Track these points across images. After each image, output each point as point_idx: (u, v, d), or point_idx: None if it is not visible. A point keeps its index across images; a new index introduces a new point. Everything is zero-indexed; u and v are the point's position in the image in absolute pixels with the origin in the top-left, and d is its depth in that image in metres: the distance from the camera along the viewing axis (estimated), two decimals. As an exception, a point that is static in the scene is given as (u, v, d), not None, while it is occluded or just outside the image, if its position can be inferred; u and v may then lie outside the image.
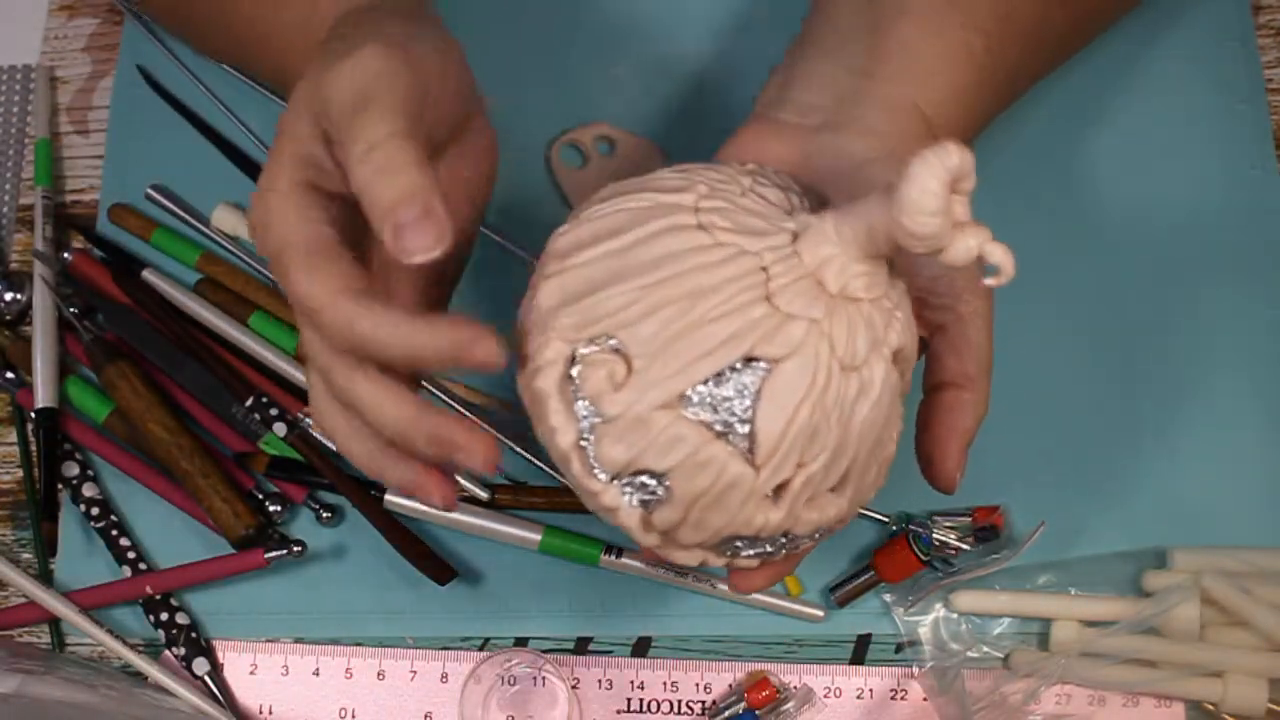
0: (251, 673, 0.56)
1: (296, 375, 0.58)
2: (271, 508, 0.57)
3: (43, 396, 0.58)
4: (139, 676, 0.55)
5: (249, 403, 0.58)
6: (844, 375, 0.37)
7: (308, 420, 0.58)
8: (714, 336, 0.36)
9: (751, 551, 0.40)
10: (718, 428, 0.36)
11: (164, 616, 0.55)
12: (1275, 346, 0.58)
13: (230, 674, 0.56)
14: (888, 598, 0.55)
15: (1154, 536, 0.55)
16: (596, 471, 0.38)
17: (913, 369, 0.40)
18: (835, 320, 0.37)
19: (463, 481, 0.56)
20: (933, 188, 0.34)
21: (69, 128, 0.65)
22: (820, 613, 0.55)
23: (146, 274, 0.60)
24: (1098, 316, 0.59)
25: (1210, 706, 0.53)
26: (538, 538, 0.55)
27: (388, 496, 0.56)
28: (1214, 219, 0.60)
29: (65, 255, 0.61)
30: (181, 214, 0.62)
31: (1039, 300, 0.59)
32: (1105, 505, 0.56)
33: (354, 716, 0.55)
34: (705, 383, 0.36)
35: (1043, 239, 0.60)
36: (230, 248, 0.61)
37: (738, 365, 0.36)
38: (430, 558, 0.55)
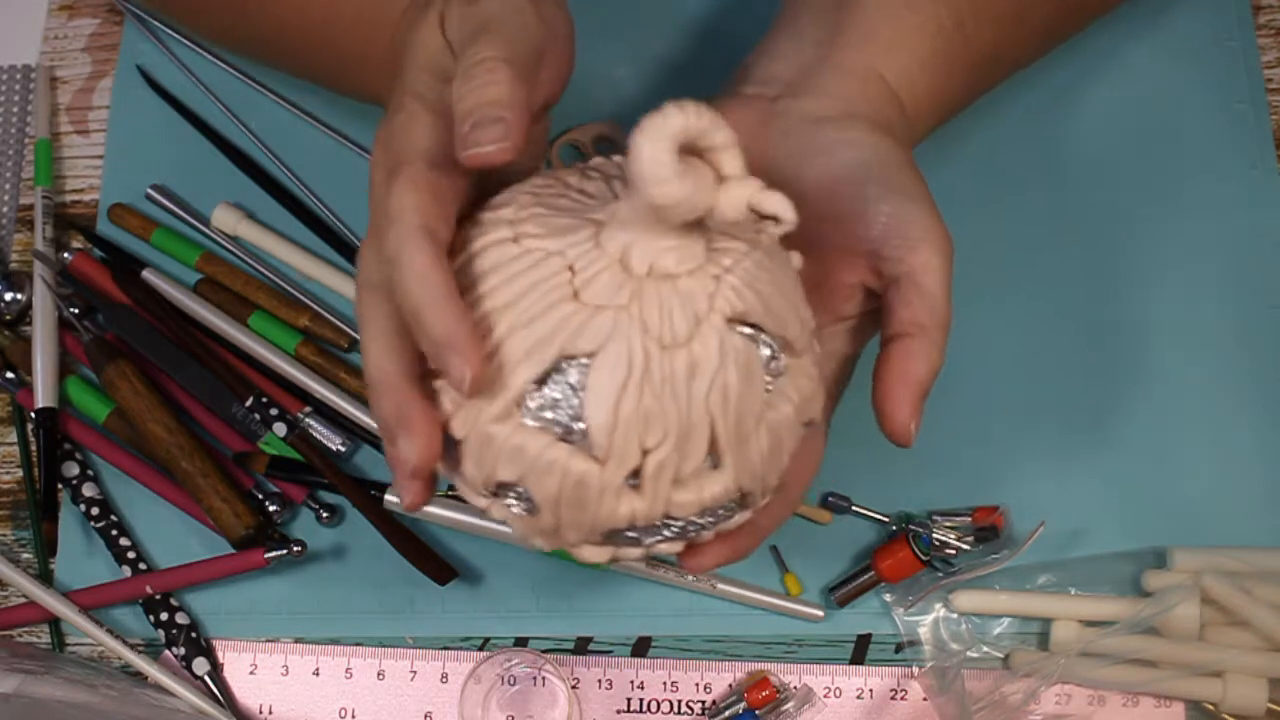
0: (251, 673, 0.56)
1: (296, 375, 0.58)
2: (271, 508, 0.57)
3: (43, 396, 0.58)
4: (139, 676, 0.55)
5: (249, 403, 0.58)
6: (667, 354, 0.36)
7: (308, 420, 0.58)
8: (525, 343, 0.36)
9: (654, 539, 0.40)
10: (558, 430, 0.37)
11: (164, 616, 0.55)
12: (1275, 346, 0.58)
13: (230, 674, 0.56)
14: (888, 598, 0.55)
15: (1154, 536, 0.55)
16: (477, 490, 0.39)
17: (794, 327, 0.39)
18: (645, 302, 0.36)
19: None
20: (659, 156, 0.33)
21: (69, 128, 0.65)
22: (820, 613, 0.55)
23: (146, 274, 0.60)
24: (1097, 316, 0.59)
25: (1210, 706, 0.53)
26: (538, 538, 0.55)
27: (388, 496, 0.56)
28: (1214, 219, 0.60)
29: (65, 255, 0.61)
30: (181, 214, 0.62)
31: (1038, 300, 0.59)
32: (1105, 505, 0.56)
33: (354, 716, 0.55)
34: (535, 389, 0.37)
35: (1042, 239, 0.60)
36: (230, 248, 0.61)
37: (562, 366, 0.36)
38: (430, 558, 0.55)
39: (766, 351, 0.38)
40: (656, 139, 0.33)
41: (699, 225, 0.37)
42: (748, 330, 0.38)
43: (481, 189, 0.41)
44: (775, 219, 0.35)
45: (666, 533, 0.40)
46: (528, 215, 0.38)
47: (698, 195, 0.34)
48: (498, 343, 0.37)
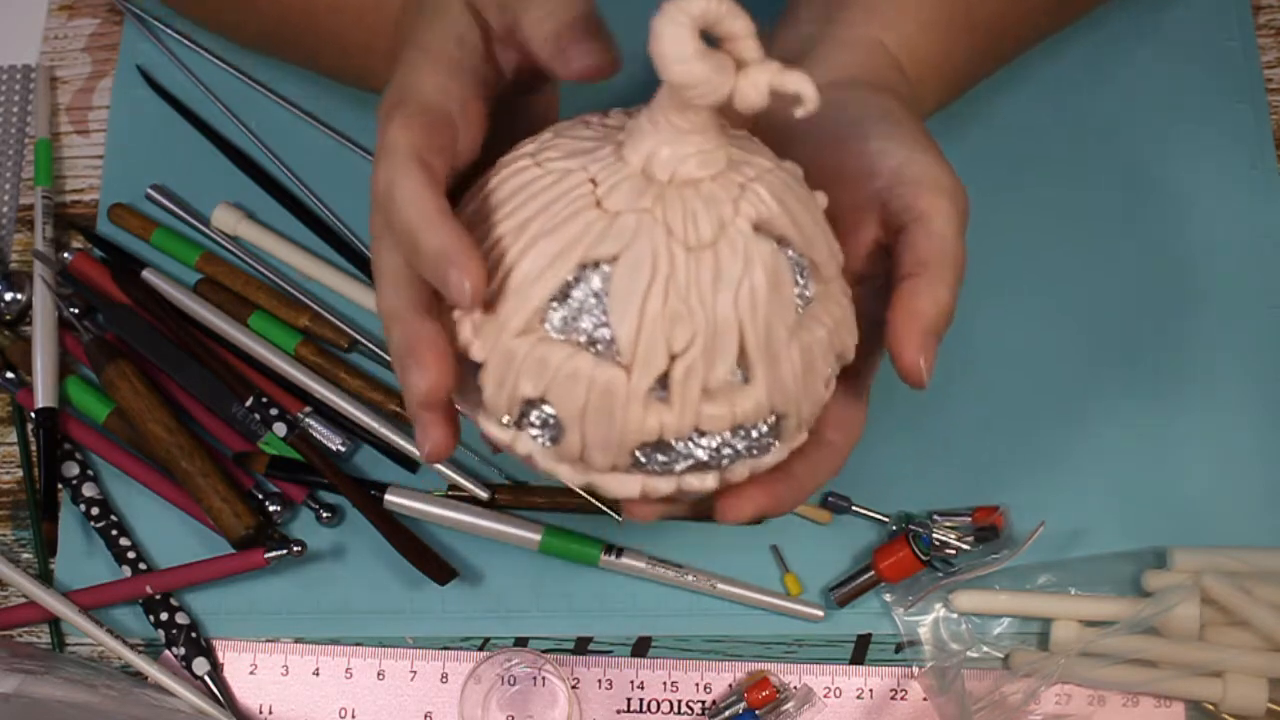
0: (251, 673, 0.56)
1: (296, 375, 0.58)
2: (271, 508, 0.57)
3: (43, 396, 0.58)
4: (139, 676, 0.55)
5: (249, 403, 0.58)
6: (692, 255, 0.36)
7: (308, 420, 0.58)
8: (547, 253, 0.36)
9: (685, 465, 0.38)
10: (582, 340, 0.36)
11: (164, 616, 0.55)
12: (1275, 346, 0.58)
13: (230, 674, 0.56)
14: (888, 598, 0.55)
15: (1154, 536, 0.55)
16: (499, 420, 0.38)
17: (822, 250, 0.38)
18: (669, 206, 0.36)
19: (463, 481, 0.56)
20: (680, 33, 0.33)
21: (69, 128, 0.65)
22: (820, 613, 0.55)
23: (146, 274, 0.60)
24: (1097, 316, 0.59)
25: (1210, 706, 0.53)
26: (538, 538, 0.55)
27: (388, 496, 0.56)
28: (1214, 218, 0.60)
29: (65, 255, 0.61)
30: (181, 214, 0.62)
31: (1038, 299, 0.59)
32: (1105, 505, 0.56)
33: (354, 716, 0.55)
34: (556, 300, 0.36)
35: (1042, 239, 0.60)
36: (230, 248, 0.61)
37: (585, 274, 0.36)
38: (430, 558, 0.55)
39: (794, 268, 0.38)
40: (677, 18, 0.33)
41: (721, 130, 0.36)
42: (774, 242, 0.37)
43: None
44: (798, 100, 0.35)
45: (699, 454, 0.38)
46: (549, 144, 0.38)
47: (718, 76, 0.34)
48: (519, 256, 0.36)
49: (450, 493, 0.56)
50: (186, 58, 0.65)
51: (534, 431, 0.38)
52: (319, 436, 0.58)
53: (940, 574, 0.54)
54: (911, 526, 0.55)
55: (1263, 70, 0.62)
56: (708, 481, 0.39)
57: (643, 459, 0.38)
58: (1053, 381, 0.58)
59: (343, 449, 0.58)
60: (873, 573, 0.54)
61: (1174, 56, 0.63)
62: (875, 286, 0.44)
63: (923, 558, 0.53)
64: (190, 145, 0.64)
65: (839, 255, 0.40)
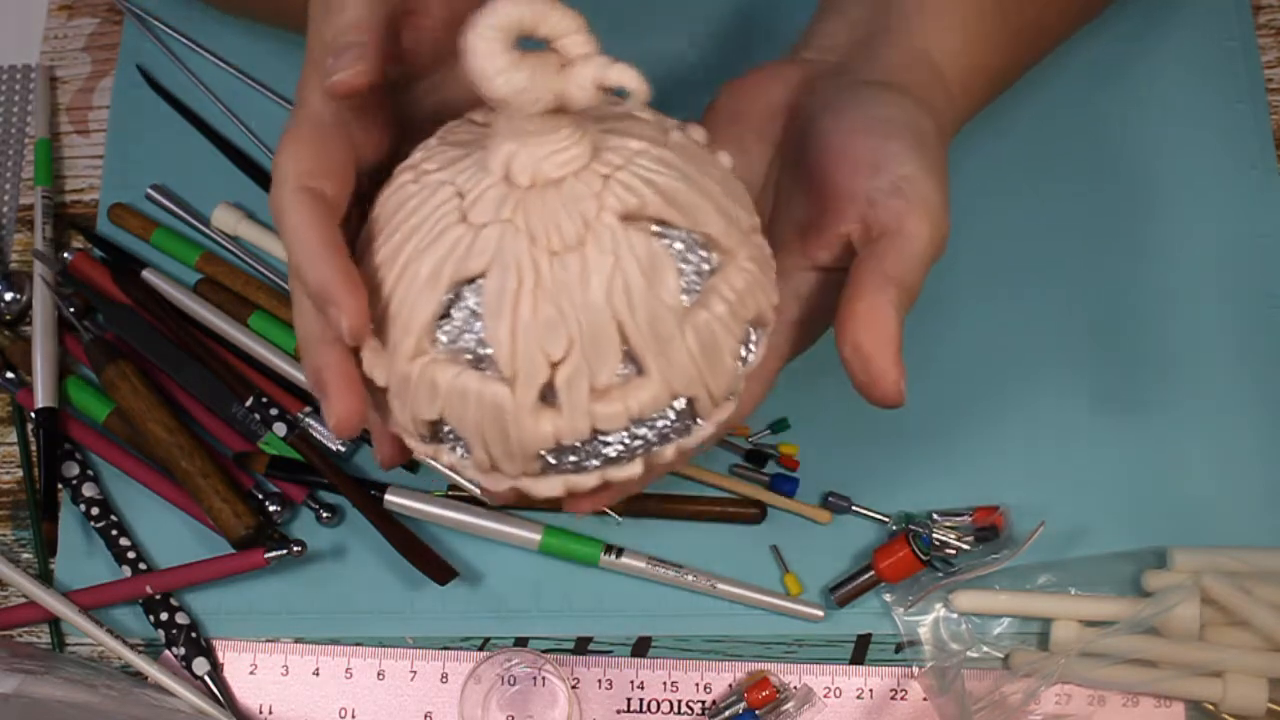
0: (251, 673, 0.56)
1: (297, 375, 0.58)
2: (271, 508, 0.57)
3: (43, 396, 0.58)
4: (139, 676, 0.55)
5: (249, 403, 0.58)
6: (558, 259, 0.35)
7: (308, 420, 0.58)
8: (420, 276, 0.36)
9: (597, 462, 0.38)
10: (469, 357, 0.36)
11: (164, 616, 0.55)
12: (1275, 346, 0.58)
13: (230, 674, 0.56)
14: (888, 598, 0.55)
15: (1154, 536, 0.55)
16: (417, 438, 0.39)
17: (716, 223, 0.37)
18: (530, 211, 0.36)
19: (463, 481, 0.56)
20: (489, 48, 0.33)
21: (69, 128, 0.65)
22: (820, 613, 0.55)
23: (146, 274, 0.60)
24: (1097, 316, 0.59)
25: (1210, 706, 0.53)
26: (538, 538, 0.55)
27: (388, 497, 0.56)
28: (1214, 219, 0.60)
29: (65, 255, 0.61)
30: (181, 214, 0.62)
31: (1038, 299, 0.59)
32: (1105, 505, 0.56)
33: (354, 716, 0.55)
34: (441, 320, 0.36)
35: (1041, 239, 0.60)
36: (230, 248, 0.61)
37: (461, 292, 0.36)
38: (430, 558, 0.55)
39: (680, 246, 0.37)
40: (484, 32, 0.33)
41: (577, 122, 0.36)
42: (654, 228, 0.37)
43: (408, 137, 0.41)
44: (625, 92, 0.34)
45: (607, 451, 0.38)
46: (432, 154, 0.38)
47: (540, 81, 0.34)
48: (396, 281, 0.36)
49: (450, 493, 0.57)
50: (186, 58, 0.65)
51: (449, 445, 0.39)
52: (319, 436, 0.58)
53: (940, 574, 0.54)
54: (911, 526, 0.55)
55: (1263, 70, 0.62)
56: (633, 469, 0.38)
57: (553, 460, 0.38)
58: (1053, 381, 0.58)
59: (343, 449, 0.58)
60: (873, 573, 0.54)
61: (1174, 56, 0.63)
62: (822, 276, 0.44)
63: (923, 558, 0.53)
64: (190, 145, 0.64)
65: (745, 220, 0.39)
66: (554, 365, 0.36)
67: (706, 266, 0.38)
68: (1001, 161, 0.61)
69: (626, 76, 0.34)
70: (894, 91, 0.45)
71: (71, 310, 0.59)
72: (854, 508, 0.56)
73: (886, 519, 0.56)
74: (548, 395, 0.36)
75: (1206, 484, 0.56)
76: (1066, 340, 0.59)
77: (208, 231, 0.62)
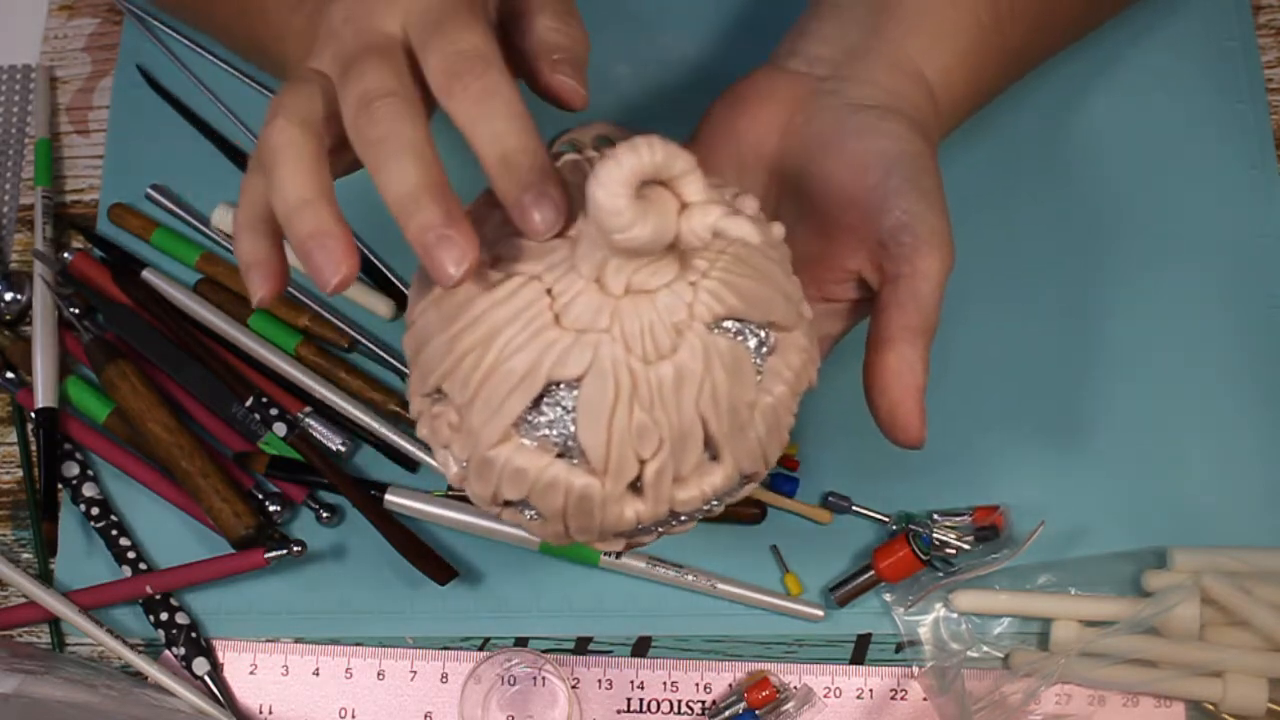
0: (251, 673, 0.56)
1: (297, 375, 0.58)
2: (271, 508, 0.57)
3: (43, 396, 0.58)
4: (139, 676, 0.55)
5: (249, 403, 0.58)
6: (652, 369, 0.36)
7: (308, 420, 0.58)
8: (515, 373, 0.36)
9: (664, 528, 0.41)
10: (555, 447, 0.37)
11: (164, 616, 0.55)
12: (1275, 346, 0.58)
13: (230, 674, 0.56)
14: (888, 598, 0.55)
15: (1154, 536, 0.55)
16: (485, 505, 0.40)
17: (780, 309, 0.39)
18: (625, 321, 0.36)
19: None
20: (615, 204, 0.33)
21: (69, 128, 0.65)
22: (820, 613, 0.55)
23: (146, 274, 0.60)
24: (1097, 316, 0.59)
25: (1210, 706, 0.53)
26: (538, 538, 0.55)
27: (388, 496, 0.56)
28: (1214, 219, 0.60)
29: (65, 255, 0.61)
30: (181, 214, 0.62)
31: (1038, 299, 0.59)
32: (1105, 505, 0.56)
33: (354, 716, 0.55)
34: (528, 413, 0.37)
35: (1041, 238, 0.60)
36: (230, 248, 0.61)
37: (553, 389, 0.37)
38: (430, 558, 0.55)
39: (754, 341, 0.38)
40: (611, 186, 0.33)
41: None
42: (733, 325, 0.38)
43: None
44: (743, 240, 0.35)
45: (677, 526, 0.41)
46: (505, 235, 0.38)
47: (660, 231, 0.34)
48: (489, 372, 0.37)
49: (450, 493, 0.56)
50: (186, 58, 0.65)
51: (522, 509, 0.40)
52: (319, 436, 0.58)
53: (940, 574, 0.54)
54: (911, 526, 0.55)
55: (1263, 70, 0.62)
56: (687, 527, 0.41)
57: (626, 533, 0.40)
58: (1053, 381, 0.58)
59: (343, 449, 0.58)
60: (873, 573, 0.54)
61: (1174, 56, 0.63)
62: (838, 308, 0.46)
63: (923, 558, 0.53)
64: (190, 145, 0.64)
65: (797, 293, 0.40)
66: (642, 463, 0.37)
67: (766, 348, 0.39)
68: (1000, 162, 0.61)
69: (745, 230, 0.34)
70: (889, 118, 0.45)
71: (71, 310, 0.59)
72: (854, 508, 0.56)
73: (886, 519, 0.56)
74: (634, 483, 0.38)
75: (1206, 484, 0.56)
76: (1066, 339, 0.59)
77: (208, 231, 0.62)
